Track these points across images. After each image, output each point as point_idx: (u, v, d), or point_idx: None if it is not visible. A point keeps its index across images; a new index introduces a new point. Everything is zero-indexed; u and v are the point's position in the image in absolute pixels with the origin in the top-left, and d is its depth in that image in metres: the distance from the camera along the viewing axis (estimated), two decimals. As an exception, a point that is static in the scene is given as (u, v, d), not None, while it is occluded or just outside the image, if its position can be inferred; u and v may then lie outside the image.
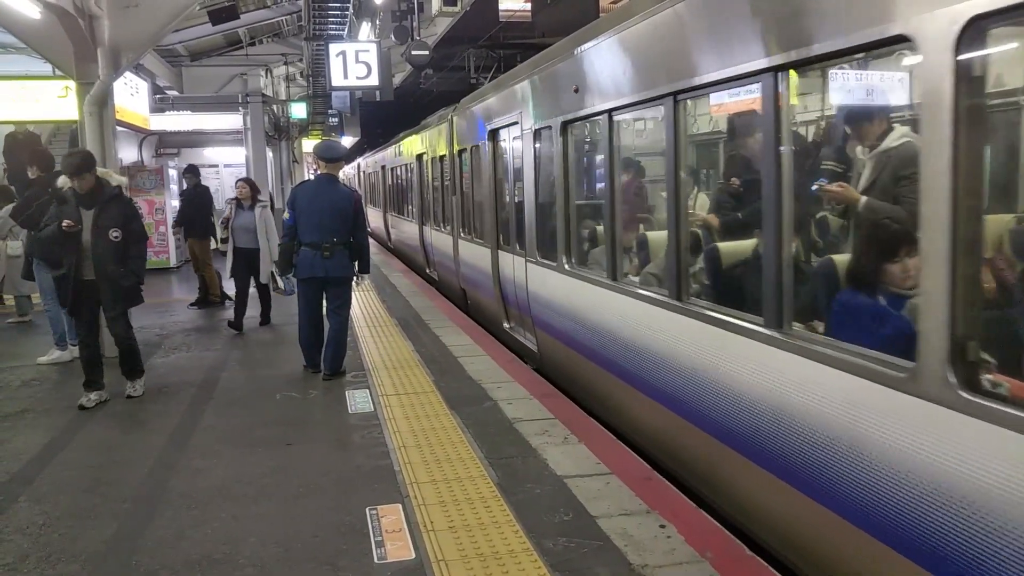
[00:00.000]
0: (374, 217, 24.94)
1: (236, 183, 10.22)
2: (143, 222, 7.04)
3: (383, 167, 22.53)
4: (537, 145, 7.71)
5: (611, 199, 6.03)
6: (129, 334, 6.83)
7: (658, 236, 5.60)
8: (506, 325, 9.26)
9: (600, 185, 6.63)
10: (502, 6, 21.47)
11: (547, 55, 7.46)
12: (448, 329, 9.29)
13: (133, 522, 4.30)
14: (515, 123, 8.37)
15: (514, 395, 6.39)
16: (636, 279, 5.86)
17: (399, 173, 19.12)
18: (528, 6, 21.98)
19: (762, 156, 3.96)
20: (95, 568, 3.81)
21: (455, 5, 12.12)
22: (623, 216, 6.13)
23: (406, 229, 17.85)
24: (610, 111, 5.80)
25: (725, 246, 4.97)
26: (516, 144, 8.54)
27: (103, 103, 8.44)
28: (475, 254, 10.65)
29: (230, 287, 10.64)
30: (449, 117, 12.34)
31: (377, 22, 14.74)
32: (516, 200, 8.72)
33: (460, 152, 11.68)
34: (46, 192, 7.78)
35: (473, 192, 11.01)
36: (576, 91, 6.36)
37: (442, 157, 13.07)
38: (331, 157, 7.35)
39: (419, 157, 15.41)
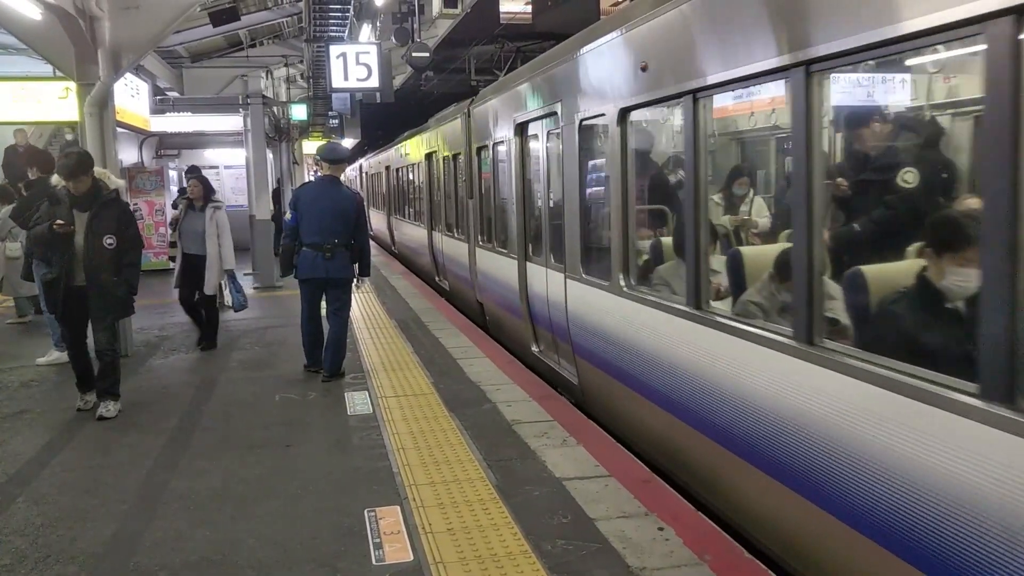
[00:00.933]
0: (377, 220, 24.08)
1: (187, 180, 8.91)
2: (138, 227, 6.78)
3: (387, 167, 21.49)
4: (582, 139, 6.39)
5: (694, 204, 4.63)
6: (113, 346, 6.39)
7: (763, 253, 4.61)
8: (535, 348, 8.09)
9: (676, 186, 5.53)
10: (503, 8, 21.47)
11: (598, 29, 6.15)
12: (447, 331, 9.28)
13: (132, 523, 4.30)
14: (552, 114, 7.08)
15: (513, 397, 6.39)
16: (729, 308, 4.58)
17: (405, 174, 17.92)
18: (529, 8, 21.99)
19: (984, 148, 2.67)
20: (93, 569, 3.81)
21: (456, 7, 12.11)
22: (707, 227, 4.70)
23: (413, 234, 16.72)
24: (695, 92, 4.49)
25: (882, 271, 3.65)
26: (553, 139, 7.23)
27: (104, 104, 8.44)
28: (497, 266, 9.40)
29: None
30: (466, 110, 10.98)
31: (378, 24, 14.75)
32: (551, 204, 7.46)
33: (479, 150, 10.32)
34: (47, 193, 7.76)
35: (495, 195, 9.83)
36: (644, 69, 5.09)
37: (456, 156, 11.81)
38: (334, 159, 7.40)
39: (429, 156, 14.21)
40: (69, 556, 3.94)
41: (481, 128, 10.18)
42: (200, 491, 4.72)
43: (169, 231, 9.18)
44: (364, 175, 30.47)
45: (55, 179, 6.48)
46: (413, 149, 16.55)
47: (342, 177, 7.64)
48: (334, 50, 12.95)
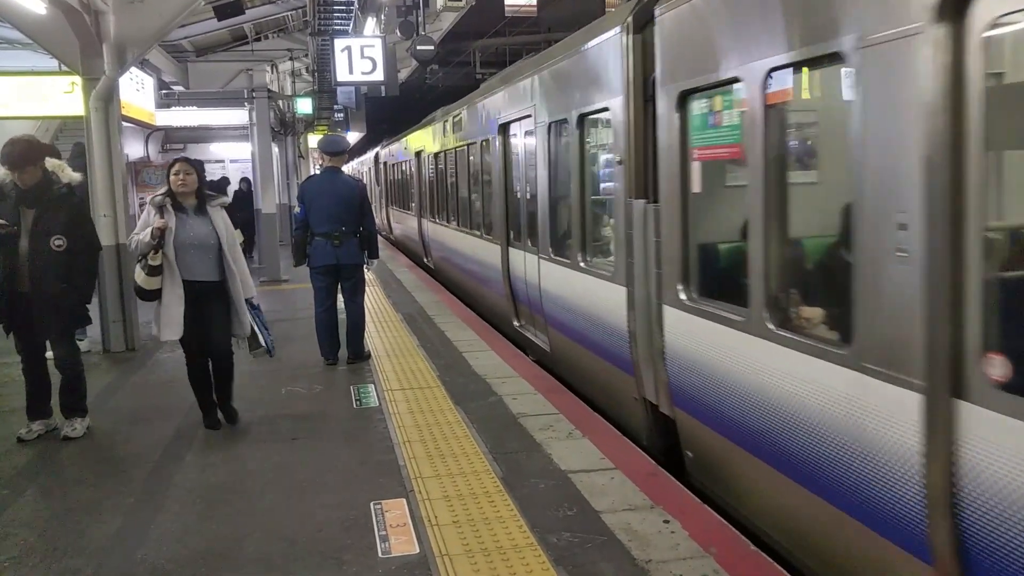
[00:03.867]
0: (400, 222, 20.38)
1: (173, 170, 5.64)
2: (96, 229, 6.03)
3: (418, 154, 16.43)
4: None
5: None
6: (75, 357, 5.73)
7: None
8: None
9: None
10: (508, 1, 21.42)
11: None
12: (453, 324, 9.28)
13: (138, 517, 4.32)
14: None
15: (519, 390, 6.39)
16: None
17: (452, 162, 12.88)
18: (534, 1, 21.93)
19: None
20: (100, 562, 3.82)
21: (460, 0, 12.09)
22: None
23: (467, 246, 11.57)
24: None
25: None
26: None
27: (109, 99, 8.45)
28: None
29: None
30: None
31: (382, 17, 14.71)
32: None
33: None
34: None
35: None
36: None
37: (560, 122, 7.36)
38: (335, 151, 7.72)
39: (504, 128, 9.06)
40: (76, 549, 3.95)
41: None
42: (206, 484, 4.74)
43: (141, 244, 5.56)
44: (381, 167, 24.93)
45: (2, 172, 5.53)
46: (471, 126, 11.43)
47: (351, 170, 7.81)
48: (339, 43, 12.92)
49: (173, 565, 3.75)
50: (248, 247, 17.64)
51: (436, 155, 14.40)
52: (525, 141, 8.25)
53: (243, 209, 16.48)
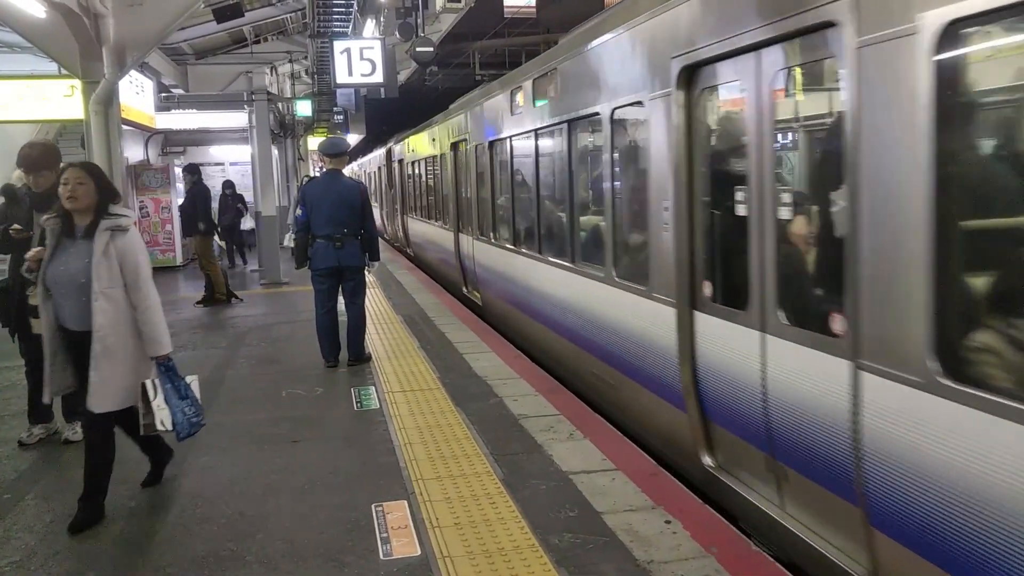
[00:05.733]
0: (425, 237, 15.61)
1: (62, 178, 4.33)
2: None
3: (456, 146, 12.18)
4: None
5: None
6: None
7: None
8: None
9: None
10: (507, 2, 21.43)
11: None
12: (453, 326, 9.28)
13: (140, 520, 4.32)
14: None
15: (519, 391, 6.39)
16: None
17: (528, 155, 8.36)
18: (533, 1, 21.94)
19: None
20: (103, 566, 3.83)
21: (459, 1, 12.09)
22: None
23: (521, 270, 8.60)
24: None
25: None
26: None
27: (109, 102, 8.44)
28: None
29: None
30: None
31: (381, 19, 14.71)
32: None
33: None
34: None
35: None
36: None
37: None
38: (335, 153, 7.70)
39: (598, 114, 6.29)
40: (78, 553, 3.96)
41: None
42: (208, 487, 4.74)
43: (35, 280, 4.54)
44: (395, 165, 20.67)
45: (17, 175, 5.54)
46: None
47: (354, 171, 7.82)
48: (338, 46, 12.92)
49: (175, 568, 3.76)
50: (230, 254, 17.73)
51: (494, 146, 9.66)
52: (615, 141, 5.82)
53: (223, 214, 16.56)
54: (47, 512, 4.47)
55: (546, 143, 7.78)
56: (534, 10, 21.47)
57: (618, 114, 5.65)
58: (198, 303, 11.83)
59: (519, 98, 8.33)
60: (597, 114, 5.96)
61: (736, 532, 3.88)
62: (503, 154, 9.28)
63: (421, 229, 16.28)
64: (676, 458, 5.02)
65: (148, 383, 4.39)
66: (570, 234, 6.95)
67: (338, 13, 13.67)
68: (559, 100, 6.94)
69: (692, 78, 4.52)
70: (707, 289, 4.50)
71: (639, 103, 5.19)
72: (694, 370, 4.64)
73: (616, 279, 5.79)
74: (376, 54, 12.84)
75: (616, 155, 5.84)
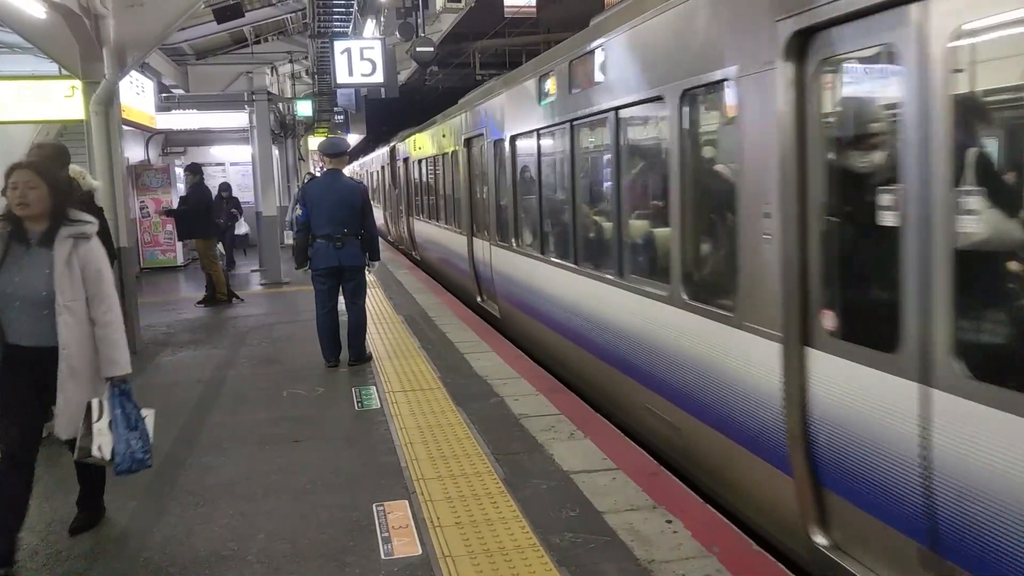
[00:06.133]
0: (435, 241, 14.40)
1: (9, 182, 3.85)
2: (112, 238, 5.48)
3: (470, 142, 11.07)
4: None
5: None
6: None
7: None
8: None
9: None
10: (507, 2, 21.45)
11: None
12: (454, 326, 9.28)
13: (141, 519, 4.32)
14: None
15: (520, 391, 6.39)
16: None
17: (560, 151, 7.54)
18: (533, 1, 21.95)
19: None
20: (104, 565, 3.83)
21: (459, 1, 12.10)
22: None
23: (551, 282, 7.56)
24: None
25: None
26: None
27: (109, 102, 8.46)
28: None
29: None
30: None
31: (382, 19, 14.72)
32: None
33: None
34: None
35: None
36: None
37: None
38: (335, 153, 7.68)
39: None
40: (79, 552, 3.96)
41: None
42: (209, 487, 4.74)
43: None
44: (404, 165, 18.73)
45: None
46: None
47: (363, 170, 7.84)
48: (338, 46, 12.93)
49: (176, 568, 3.76)
50: (229, 256, 17.68)
51: (518, 141, 8.61)
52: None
53: (218, 217, 16.49)
54: (48, 512, 4.47)
55: (585, 136, 6.85)
56: (534, 10, 21.49)
57: (691, 97, 4.66)
58: (199, 303, 11.83)
59: (550, 85, 7.24)
60: (659, 98, 4.99)
61: (737, 532, 3.87)
62: (529, 150, 8.24)
63: (429, 232, 15.20)
64: (768, 526, 4.10)
65: (94, 402, 3.86)
66: (617, 243, 5.87)
67: (338, 13, 13.68)
68: (605, 85, 5.91)
69: (806, 46, 3.55)
70: (827, 321, 3.52)
71: (722, 82, 4.21)
72: (804, 423, 3.61)
73: (685, 300, 4.73)
74: (376, 54, 12.86)
75: (686, 147, 4.77)
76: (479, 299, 10.81)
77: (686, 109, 4.70)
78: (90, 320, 3.88)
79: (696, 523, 3.92)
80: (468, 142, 11.13)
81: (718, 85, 4.28)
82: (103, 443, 3.85)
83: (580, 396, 6.32)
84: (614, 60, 5.77)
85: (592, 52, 6.10)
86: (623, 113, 5.76)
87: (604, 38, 5.88)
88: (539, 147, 7.85)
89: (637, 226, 5.84)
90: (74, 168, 5.56)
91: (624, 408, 5.84)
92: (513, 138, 8.65)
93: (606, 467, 4.70)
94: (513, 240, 8.87)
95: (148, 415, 4.07)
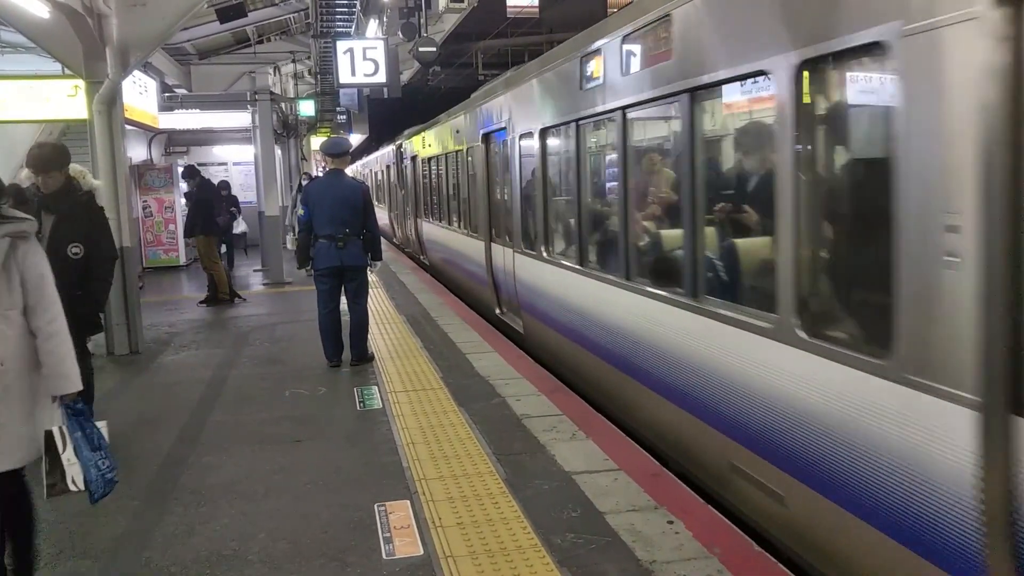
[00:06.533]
0: (447, 244, 13.37)
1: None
2: (113, 238, 5.54)
3: (488, 138, 10.10)
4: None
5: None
6: (85, 366, 4.73)
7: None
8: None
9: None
10: (510, 2, 21.46)
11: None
12: (456, 326, 9.28)
13: (143, 518, 4.33)
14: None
15: (522, 391, 6.39)
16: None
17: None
18: (536, 2, 21.95)
19: None
20: (106, 564, 3.83)
21: (462, 1, 12.11)
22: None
23: (594, 299, 6.47)
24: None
25: None
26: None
27: (112, 102, 8.48)
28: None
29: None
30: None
31: (384, 19, 14.74)
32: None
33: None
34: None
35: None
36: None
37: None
38: (337, 152, 7.71)
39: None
40: (82, 551, 3.97)
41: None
42: (211, 486, 4.74)
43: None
44: (408, 165, 17.89)
45: (24, 174, 5.50)
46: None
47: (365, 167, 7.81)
48: (341, 46, 12.95)
49: (178, 567, 3.76)
50: (231, 256, 17.60)
51: (551, 134, 7.58)
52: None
53: (218, 215, 16.46)
54: (51, 511, 4.47)
55: (641, 125, 5.87)
56: (537, 10, 21.49)
57: (814, 70, 3.57)
58: (201, 303, 11.84)
59: (594, 67, 6.09)
60: (763, 73, 3.87)
61: (739, 533, 3.87)
62: (565, 145, 7.16)
63: (440, 236, 14.10)
64: None
65: (55, 431, 3.39)
66: (690, 256, 4.72)
67: (341, 13, 13.71)
68: (674, 61, 4.77)
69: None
70: None
71: (873, 47, 3.12)
72: (1011, 524, 2.60)
73: (801, 337, 3.61)
74: (379, 54, 12.88)
75: (800, 135, 3.66)
76: (498, 311, 9.84)
77: (807, 84, 3.62)
78: (30, 332, 3.37)
79: (698, 524, 3.91)
80: (487, 138, 10.06)
81: (862, 51, 3.25)
82: (75, 474, 3.44)
83: (619, 426, 5.56)
84: (689, 29, 4.60)
85: (656, 24, 4.97)
86: (702, 95, 4.60)
87: (671, 6, 4.72)
88: (579, 140, 6.66)
89: (720, 234, 4.70)
90: (75, 167, 5.54)
91: (696, 458, 4.86)
92: (544, 131, 7.56)
93: (608, 468, 4.70)
94: (542, 248, 7.76)
95: (103, 426, 3.61)
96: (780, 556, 3.75)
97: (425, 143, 15.48)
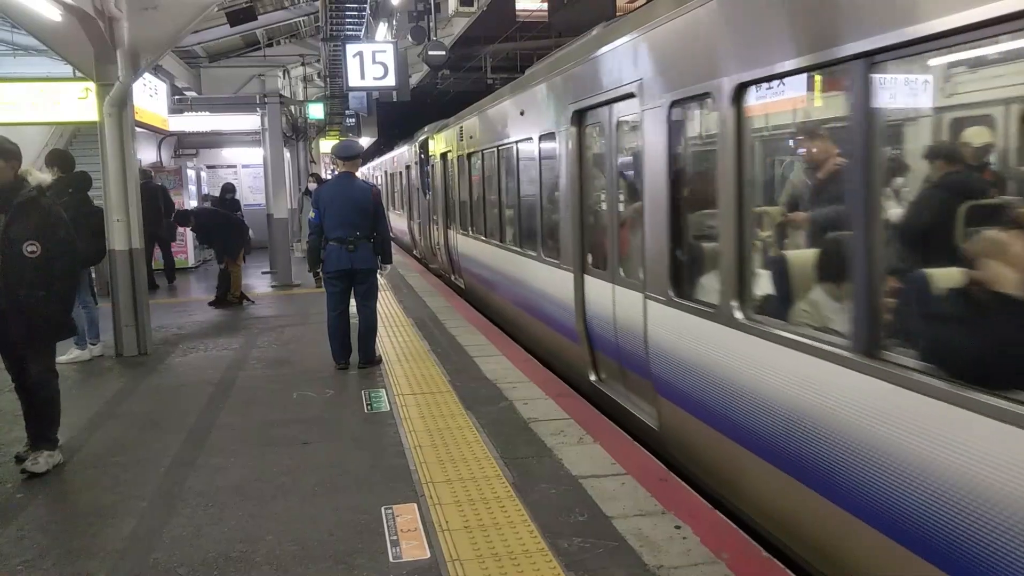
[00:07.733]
0: (487, 266, 10.79)
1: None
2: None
3: (583, 113, 6.61)
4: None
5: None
6: (49, 377, 5.08)
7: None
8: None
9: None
10: (519, 6, 21.50)
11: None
12: (464, 329, 9.28)
13: (151, 520, 4.33)
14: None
15: (530, 395, 6.39)
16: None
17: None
18: (545, 6, 21.97)
19: None
20: (114, 565, 3.84)
21: (472, 5, 12.13)
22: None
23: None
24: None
25: None
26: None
27: (122, 104, 8.51)
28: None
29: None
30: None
31: (394, 23, 14.77)
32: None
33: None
34: (67, 193, 7.77)
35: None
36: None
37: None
38: (348, 155, 7.71)
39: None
40: (90, 552, 3.97)
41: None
42: (218, 488, 4.75)
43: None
44: (435, 164, 15.51)
45: None
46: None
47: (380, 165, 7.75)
48: (350, 49, 12.96)
49: (185, 568, 3.76)
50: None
51: (741, 94, 4.06)
52: None
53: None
54: (59, 512, 4.50)
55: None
56: (546, 14, 21.50)
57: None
58: (210, 304, 11.87)
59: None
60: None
61: (747, 538, 3.86)
62: (761, 116, 4.24)
63: (485, 255, 10.86)
64: None
65: None
66: None
67: (351, 17, 13.71)
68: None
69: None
70: None
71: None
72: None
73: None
74: (388, 57, 12.88)
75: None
76: (593, 376, 6.67)
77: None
78: None
79: (705, 529, 3.90)
80: (581, 117, 6.72)
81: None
82: None
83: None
84: None
85: None
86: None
87: None
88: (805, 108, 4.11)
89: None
90: (27, 167, 5.19)
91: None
92: (743, 87, 4.04)
93: (615, 472, 4.69)
94: (732, 300, 4.25)
95: None
96: (788, 562, 3.74)
97: (464, 136, 12.43)
